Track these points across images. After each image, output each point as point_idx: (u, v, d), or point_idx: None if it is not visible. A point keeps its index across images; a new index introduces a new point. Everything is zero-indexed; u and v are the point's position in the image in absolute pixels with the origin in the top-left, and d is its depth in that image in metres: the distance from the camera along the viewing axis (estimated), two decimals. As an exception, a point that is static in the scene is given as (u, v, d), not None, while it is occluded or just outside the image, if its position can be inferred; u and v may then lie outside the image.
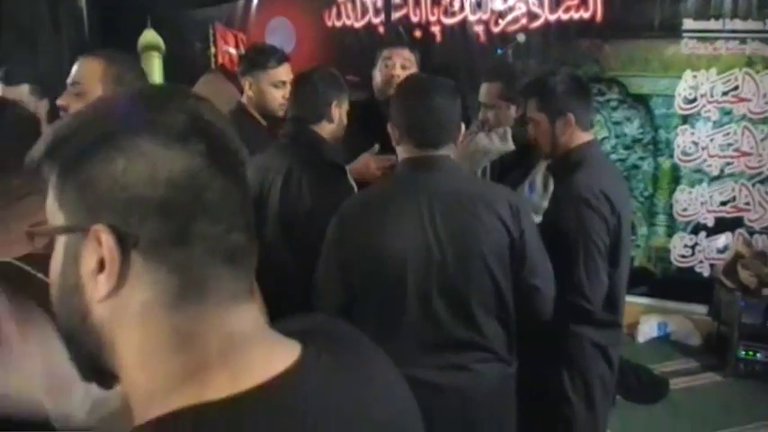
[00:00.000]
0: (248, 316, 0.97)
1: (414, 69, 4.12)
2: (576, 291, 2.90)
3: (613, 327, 3.19)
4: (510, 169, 3.58)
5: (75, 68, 2.75)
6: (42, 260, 1.65)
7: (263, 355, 0.96)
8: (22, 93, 4.10)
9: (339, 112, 3.30)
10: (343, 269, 2.67)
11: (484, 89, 3.95)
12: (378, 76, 4.18)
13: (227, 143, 0.96)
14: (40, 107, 4.22)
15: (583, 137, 3.16)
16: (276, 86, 3.90)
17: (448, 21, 6.56)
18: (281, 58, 3.91)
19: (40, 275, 1.63)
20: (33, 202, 1.72)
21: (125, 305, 0.92)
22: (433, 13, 6.60)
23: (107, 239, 0.89)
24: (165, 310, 0.91)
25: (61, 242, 0.96)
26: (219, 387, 0.90)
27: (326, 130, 3.27)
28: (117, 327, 0.93)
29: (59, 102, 2.76)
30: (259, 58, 3.98)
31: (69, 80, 2.73)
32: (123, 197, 0.89)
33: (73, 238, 0.94)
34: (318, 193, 3.05)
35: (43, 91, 4.24)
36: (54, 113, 4.24)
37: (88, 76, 2.70)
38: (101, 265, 0.90)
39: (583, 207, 2.96)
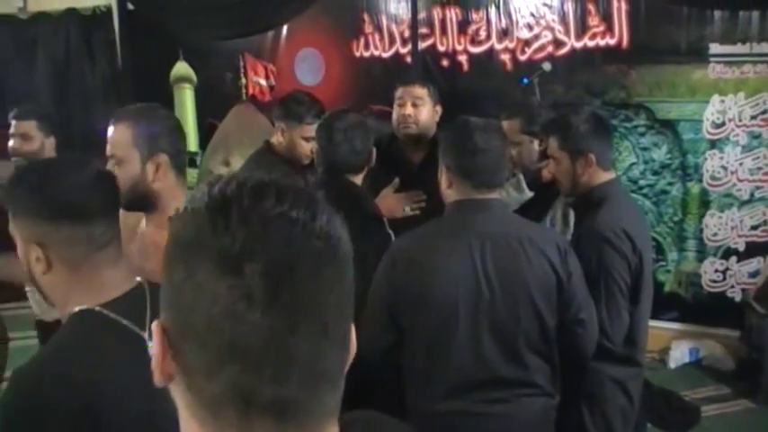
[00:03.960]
0: None
1: (427, 106, 4.16)
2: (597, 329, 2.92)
3: (632, 363, 3.20)
4: (527, 209, 3.60)
5: (108, 137, 2.68)
6: (124, 307, 1.80)
7: None
8: (31, 127, 4.27)
9: (373, 157, 3.35)
10: (392, 310, 2.74)
11: (504, 126, 3.95)
12: (393, 114, 4.24)
13: (297, 274, 0.84)
14: (47, 144, 4.37)
15: (604, 175, 3.19)
16: (307, 140, 3.93)
17: (474, 49, 6.60)
18: (318, 113, 3.90)
19: (125, 321, 1.81)
20: (115, 251, 1.92)
21: (178, 400, 0.91)
22: (459, 42, 6.64)
23: (158, 339, 0.89)
24: (198, 428, 0.89)
25: None
26: None
27: (359, 178, 3.32)
28: (179, 410, 0.92)
29: None
30: (297, 109, 4.03)
31: (107, 152, 2.67)
32: (175, 311, 0.87)
33: None
34: (358, 245, 3.06)
35: (52, 129, 4.38)
36: (61, 150, 4.39)
37: (121, 145, 2.63)
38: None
39: (605, 246, 3.00)
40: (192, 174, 7.34)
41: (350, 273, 0.92)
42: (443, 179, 2.79)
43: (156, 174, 2.61)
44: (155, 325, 0.90)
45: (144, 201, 2.63)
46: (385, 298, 2.75)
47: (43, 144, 4.34)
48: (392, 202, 3.74)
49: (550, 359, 2.75)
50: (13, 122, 4.30)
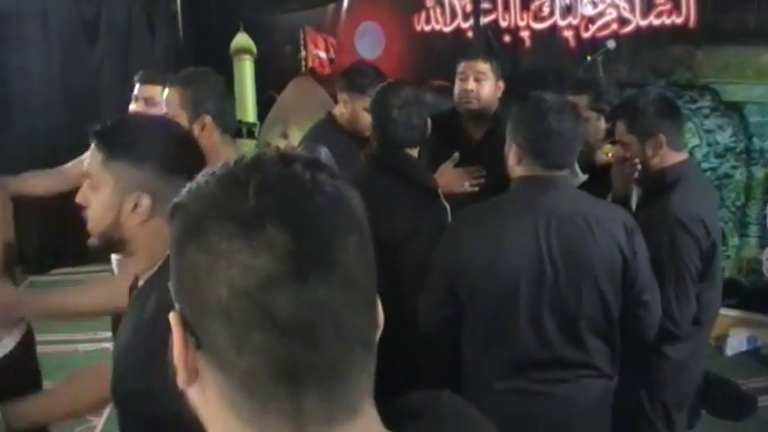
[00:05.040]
0: None
1: (490, 81, 4.12)
2: (664, 313, 2.87)
3: (696, 339, 3.16)
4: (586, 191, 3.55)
5: (163, 98, 3.05)
6: None
7: None
8: (156, 92, 4.17)
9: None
10: (453, 284, 2.73)
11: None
12: (455, 89, 4.21)
13: (326, 230, 0.81)
14: None
15: (676, 156, 3.12)
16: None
17: (537, 26, 6.53)
18: None
19: None
20: None
21: (203, 399, 0.86)
22: (522, 18, 6.57)
23: (177, 332, 0.85)
24: (232, 419, 0.84)
25: None
26: None
27: (415, 151, 3.34)
28: (202, 414, 0.88)
29: None
30: (361, 81, 4.05)
31: (162, 110, 3.01)
32: (192, 293, 0.83)
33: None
34: (412, 218, 3.10)
35: None
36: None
37: (171, 105, 2.99)
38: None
39: (678, 230, 2.94)
40: (249, 145, 7.38)
41: (368, 236, 0.87)
42: (512, 155, 2.75)
43: (201, 132, 2.93)
44: (171, 317, 0.86)
45: None
46: (446, 270, 2.75)
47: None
48: (451, 177, 3.71)
49: (612, 341, 2.72)
50: (138, 86, 4.19)
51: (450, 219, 3.24)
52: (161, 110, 4.11)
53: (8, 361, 3.33)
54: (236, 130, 7.37)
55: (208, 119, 2.98)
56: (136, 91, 4.20)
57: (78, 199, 2.09)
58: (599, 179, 3.63)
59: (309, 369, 0.80)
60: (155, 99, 4.10)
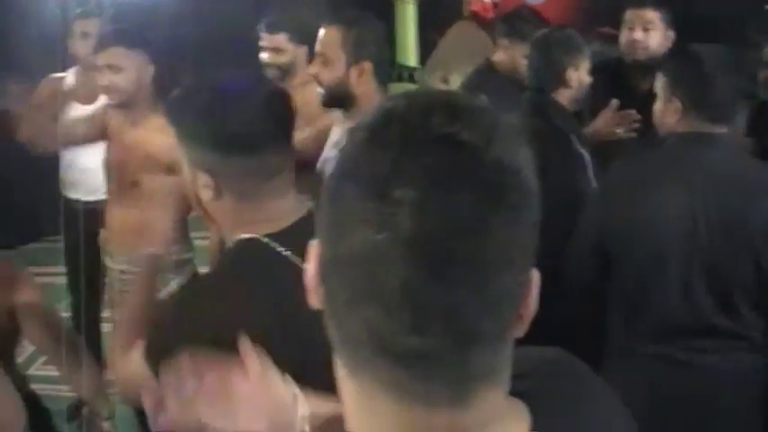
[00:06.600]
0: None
1: (659, 31, 3.93)
2: None
3: None
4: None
5: (318, 38, 2.93)
6: (290, 238, 1.73)
7: None
8: (280, 41, 4.24)
9: (577, 75, 3.32)
10: (600, 245, 2.68)
11: None
12: (622, 38, 4.04)
13: (454, 209, 0.72)
14: (299, 54, 4.37)
15: None
16: None
17: (713, -31, 6.21)
18: None
19: (286, 252, 1.73)
20: (284, 180, 1.83)
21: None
22: (697, -40, 6.26)
23: (313, 261, 0.83)
24: (340, 363, 0.84)
25: None
26: None
27: (565, 95, 3.31)
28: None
29: (310, 70, 3.02)
30: (522, 27, 4.02)
31: (316, 49, 2.95)
32: (327, 236, 0.79)
33: None
34: (540, 161, 3.05)
35: (303, 38, 4.36)
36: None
37: (330, 46, 2.88)
38: None
39: None
40: (409, 89, 7.36)
41: (527, 214, 0.78)
42: (670, 111, 2.62)
43: (359, 79, 2.86)
44: (312, 245, 0.83)
45: (342, 101, 2.90)
46: (593, 230, 2.70)
47: (295, 56, 4.37)
48: (602, 123, 3.63)
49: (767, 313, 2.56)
50: (264, 35, 4.28)
51: (588, 164, 3.24)
52: (288, 56, 4.20)
53: None
54: (397, 75, 7.37)
55: (368, 65, 2.85)
56: (263, 41, 4.26)
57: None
58: None
59: (411, 354, 0.75)
60: (281, 47, 4.26)
